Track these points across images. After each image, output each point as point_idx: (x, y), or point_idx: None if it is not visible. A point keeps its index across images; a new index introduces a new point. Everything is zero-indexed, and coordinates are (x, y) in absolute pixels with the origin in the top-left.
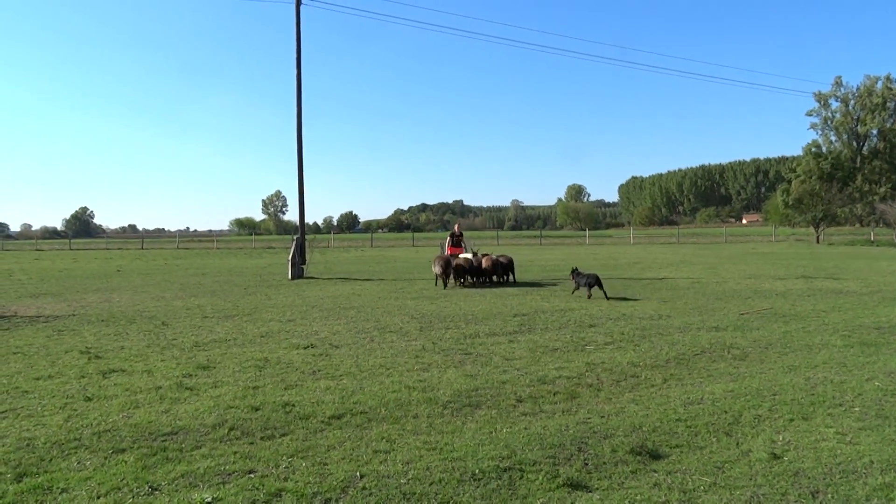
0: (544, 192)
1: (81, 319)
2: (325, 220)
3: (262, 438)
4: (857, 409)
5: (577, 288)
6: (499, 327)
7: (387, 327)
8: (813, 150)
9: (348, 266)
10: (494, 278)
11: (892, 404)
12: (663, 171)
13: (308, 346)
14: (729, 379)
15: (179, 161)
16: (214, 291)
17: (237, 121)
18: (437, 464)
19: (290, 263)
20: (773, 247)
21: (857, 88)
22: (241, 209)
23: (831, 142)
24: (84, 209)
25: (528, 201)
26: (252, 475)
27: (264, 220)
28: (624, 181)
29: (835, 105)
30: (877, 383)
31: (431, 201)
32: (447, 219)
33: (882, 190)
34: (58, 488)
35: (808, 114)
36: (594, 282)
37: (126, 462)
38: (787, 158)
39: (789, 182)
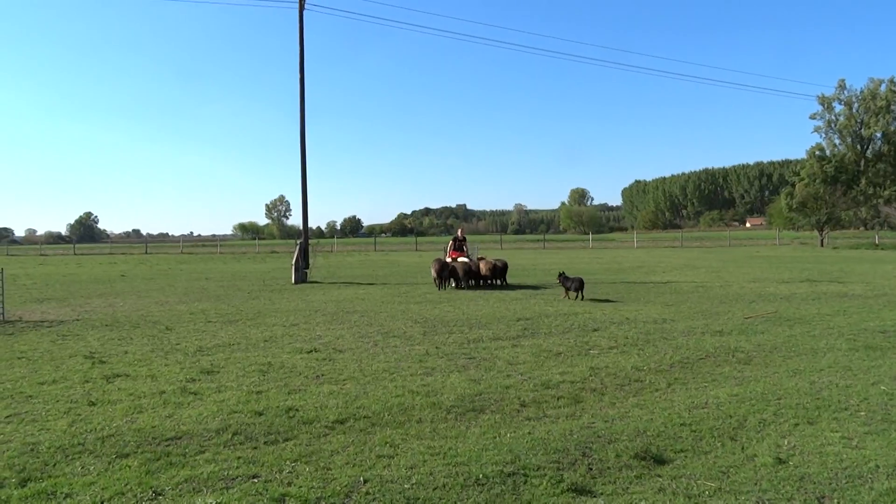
0: (547, 196)
1: (85, 324)
2: (328, 225)
3: (265, 443)
4: (862, 413)
5: (567, 292)
6: (502, 332)
7: (390, 332)
8: (817, 153)
9: (351, 270)
10: (489, 281)
11: None
12: (667, 174)
13: (311, 351)
14: (733, 383)
15: (183, 166)
16: (218, 296)
17: (240, 126)
18: (440, 469)
19: (293, 268)
20: (776, 250)
21: (861, 91)
22: (244, 214)
23: (835, 145)
24: (88, 214)
25: (531, 205)
26: (255, 480)
27: (268, 224)
28: (627, 185)
29: (838, 108)
30: (882, 387)
31: (435, 205)
32: (450, 223)
33: (886, 193)
34: (62, 493)
35: (812, 117)
36: (579, 285)
37: (130, 467)
38: (790, 162)
39: (793, 185)
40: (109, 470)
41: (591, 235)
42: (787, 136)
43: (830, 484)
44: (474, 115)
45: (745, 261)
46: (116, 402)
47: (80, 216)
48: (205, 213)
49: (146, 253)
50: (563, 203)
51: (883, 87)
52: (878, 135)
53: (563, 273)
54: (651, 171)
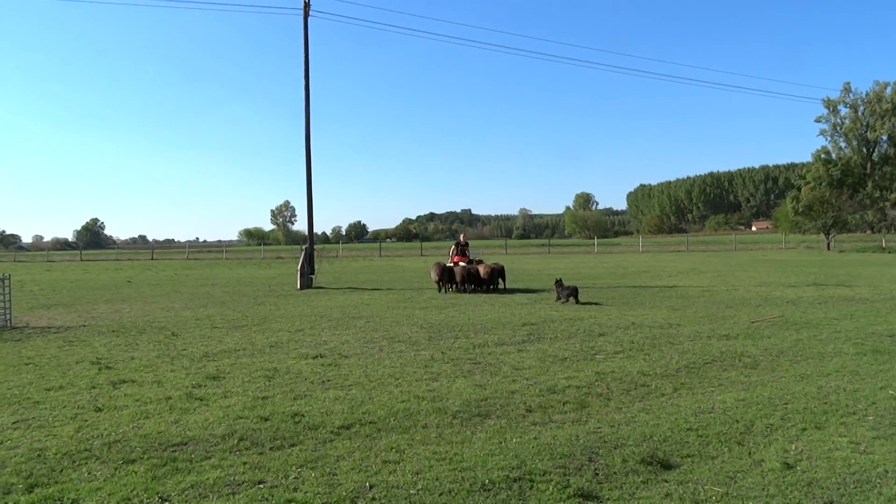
0: (552, 201)
1: (92, 330)
2: (333, 230)
3: (271, 449)
4: (870, 417)
5: (559, 298)
6: (508, 337)
7: (395, 337)
8: (822, 156)
9: (357, 276)
10: (488, 286)
11: None
12: (672, 178)
13: (317, 357)
14: (740, 388)
15: (189, 172)
16: (224, 302)
17: (246, 131)
18: (446, 474)
19: (298, 273)
20: (783, 254)
21: (867, 94)
22: (250, 219)
23: (841, 148)
24: (94, 220)
25: (536, 210)
26: (261, 486)
27: (273, 230)
28: (632, 189)
29: (844, 111)
30: (890, 391)
31: (439, 210)
32: (455, 228)
33: (893, 196)
34: (68, 499)
35: (817, 120)
36: (571, 293)
37: (136, 472)
38: (796, 165)
39: (799, 189)
40: (116, 475)
41: (596, 240)
42: (792, 139)
43: (839, 489)
44: (479, 120)
45: (751, 265)
46: (123, 408)
47: (87, 222)
48: (210, 219)
49: (152, 259)
50: (567, 207)
51: (888, 90)
52: (884, 138)
53: (560, 280)
54: (656, 175)
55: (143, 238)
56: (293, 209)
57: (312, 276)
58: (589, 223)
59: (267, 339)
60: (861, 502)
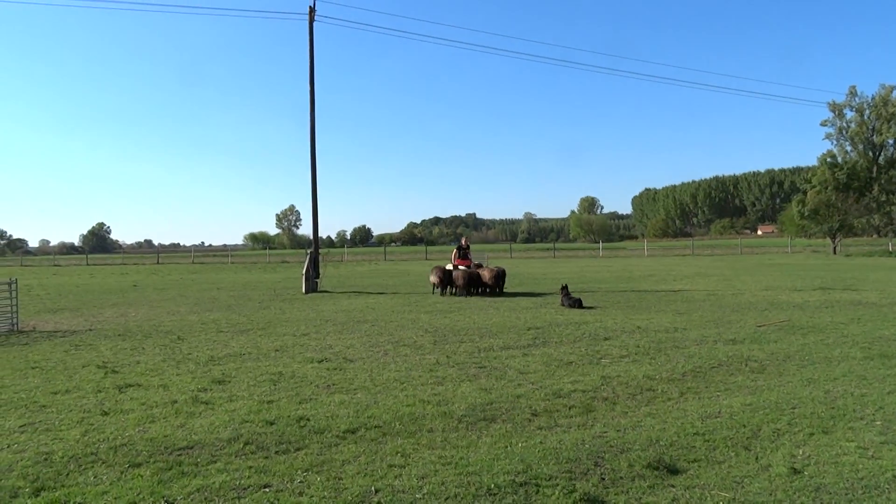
0: (557, 205)
1: (98, 334)
2: (338, 234)
3: (276, 453)
4: (878, 422)
5: (563, 304)
6: (513, 340)
7: (401, 341)
8: (828, 160)
9: (362, 280)
10: (489, 290)
11: None
12: (677, 182)
13: (322, 360)
14: (747, 392)
15: (194, 176)
16: (229, 306)
17: (252, 136)
18: (452, 478)
19: (304, 277)
20: (789, 258)
21: (872, 98)
22: (255, 224)
23: (847, 152)
24: (101, 225)
25: (540, 214)
26: (267, 490)
27: (278, 234)
28: (637, 193)
29: (849, 115)
30: None
31: (444, 214)
32: (460, 232)
33: None
34: (74, 502)
35: (823, 124)
36: (574, 304)
37: (142, 476)
38: (802, 169)
39: (805, 193)
40: (122, 479)
41: (601, 244)
42: (797, 143)
43: (846, 494)
44: (483, 124)
45: (757, 269)
46: (129, 412)
47: (93, 227)
48: (216, 223)
49: (158, 263)
50: (572, 211)
51: (895, 94)
52: (891, 141)
53: (566, 287)
54: (661, 179)
55: (148, 242)
56: (298, 213)
57: (317, 280)
58: (594, 227)
59: (272, 343)
60: None
